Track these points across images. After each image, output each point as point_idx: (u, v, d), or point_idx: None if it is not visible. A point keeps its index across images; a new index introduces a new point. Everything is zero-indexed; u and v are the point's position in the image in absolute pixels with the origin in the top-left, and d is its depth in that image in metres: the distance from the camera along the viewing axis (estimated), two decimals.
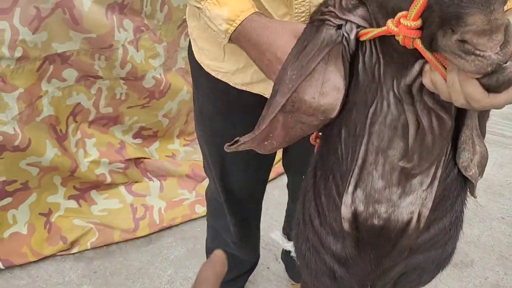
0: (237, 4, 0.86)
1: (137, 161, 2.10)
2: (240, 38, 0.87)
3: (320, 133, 0.98)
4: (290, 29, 0.85)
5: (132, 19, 1.70)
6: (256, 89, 1.07)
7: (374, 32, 0.69)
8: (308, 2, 0.91)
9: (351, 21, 0.73)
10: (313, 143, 1.02)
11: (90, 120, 1.95)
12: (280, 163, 1.47)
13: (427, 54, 0.62)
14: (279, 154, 1.41)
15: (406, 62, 0.68)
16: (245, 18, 0.85)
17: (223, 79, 1.08)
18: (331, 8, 0.75)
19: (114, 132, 2.05)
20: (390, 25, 0.63)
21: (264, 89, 1.06)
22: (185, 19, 1.76)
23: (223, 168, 1.30)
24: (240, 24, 0.85)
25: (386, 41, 0.68)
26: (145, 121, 2.08)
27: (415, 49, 0.63)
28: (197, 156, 2.22)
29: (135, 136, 2.12)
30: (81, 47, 1.65)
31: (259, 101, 1.08)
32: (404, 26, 0.61)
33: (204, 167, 1.43)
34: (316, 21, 0.77)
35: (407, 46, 0.63)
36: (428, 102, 0.70)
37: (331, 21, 0.74)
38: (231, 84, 1.08)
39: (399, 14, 0.61)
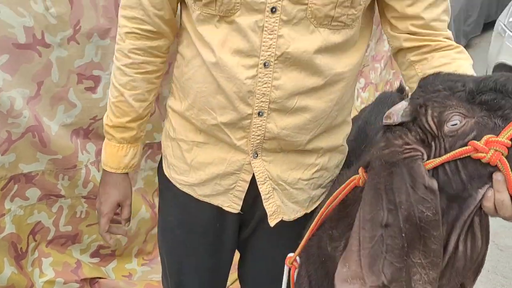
0: (111, 160, 1.29)
1: (92, 281, 2.10)
2: (104, 171, 1.33)
3: (299, 259, 1.07)
4: (118, 198, 1.33)
5: (95, 143, 1.85)
6: (216, 202, 1.21)
7: (449, 154, 0.76)
8: (263, 127, 1.09)
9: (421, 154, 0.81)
10: (289, 266, 1.10)
11: (49, 239, 1.98)
12: (236, 283, 1.53)
13: (510, 171, 0.71)
14: (231, 276, 1.48)
15: (463, 197, 0.75)
16: (112, 170, 1.30)
17: (188, 191, 1.22)
18: (409, 146, 0.81)
19: (72, 251, 2.07)
20: (477, 143, 0.73)
21: (223, 201, 1.20)
22: (146, 143, 1.93)
23: (179, 278, 1.37)
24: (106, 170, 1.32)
25: (441, 184, 0.76)
26: (103, 240, 2.11)
27: (470, 181, 0.73)
28: (154, 275, 2.24)
29: (92, 255, 2.14)
30: (47, 167, 1.76)
31: (218, 213, 1.22)
32: (498, 142, 0.72)
33: (162, 279, 1.49)
34: (401, 160, 0.80)
35: (492, 163, 0.72)
36: (475, 227, 0.77)
37: (419, 156, 0.81)
38: (194, 196, 1.21)
39: (486, 136, 0.73)
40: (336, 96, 1.11)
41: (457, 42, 1.14)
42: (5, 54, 1.49)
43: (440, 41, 1.11)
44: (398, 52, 1.19)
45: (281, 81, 1.05)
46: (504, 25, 3.86)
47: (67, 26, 1.56)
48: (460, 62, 1.07)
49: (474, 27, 5.61)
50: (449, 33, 1.13)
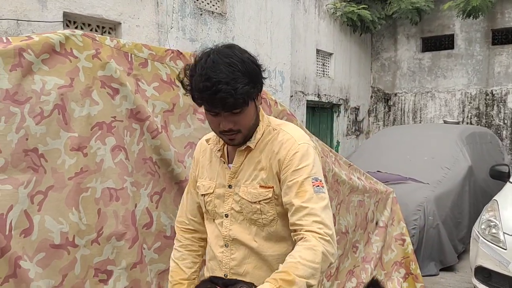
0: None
1: None
2: None
3: None
4: None
5: None
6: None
7: None
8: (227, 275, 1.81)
9: None
10: None
11: None
12: None
13: None
14: None
15: None
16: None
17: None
18: None
19: None
20: None
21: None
22: None
23: None
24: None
25: None
26: None
27: None
28: None
29: None
30: None
31: None
32: None
33: None
34: None
35: None
36: None
37: None
38: None
39: None
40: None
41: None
42: (42, 252, 1.94)
43: (300, 234, 1.56)
44: None
45: (235, 255, 1.74)
46: (478, 232, 4.25)
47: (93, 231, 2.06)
48: (296, 248, 1.53)
49: (466, 233, 5.95)
50: (312, 227, 1.55)
